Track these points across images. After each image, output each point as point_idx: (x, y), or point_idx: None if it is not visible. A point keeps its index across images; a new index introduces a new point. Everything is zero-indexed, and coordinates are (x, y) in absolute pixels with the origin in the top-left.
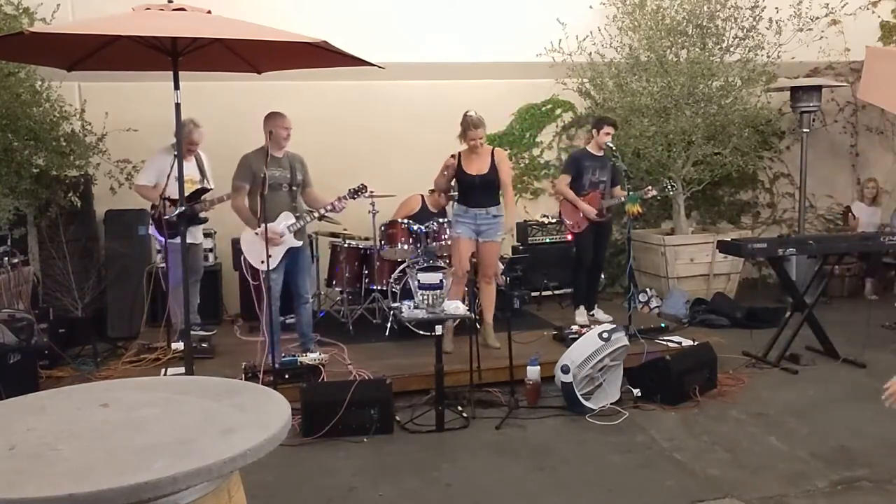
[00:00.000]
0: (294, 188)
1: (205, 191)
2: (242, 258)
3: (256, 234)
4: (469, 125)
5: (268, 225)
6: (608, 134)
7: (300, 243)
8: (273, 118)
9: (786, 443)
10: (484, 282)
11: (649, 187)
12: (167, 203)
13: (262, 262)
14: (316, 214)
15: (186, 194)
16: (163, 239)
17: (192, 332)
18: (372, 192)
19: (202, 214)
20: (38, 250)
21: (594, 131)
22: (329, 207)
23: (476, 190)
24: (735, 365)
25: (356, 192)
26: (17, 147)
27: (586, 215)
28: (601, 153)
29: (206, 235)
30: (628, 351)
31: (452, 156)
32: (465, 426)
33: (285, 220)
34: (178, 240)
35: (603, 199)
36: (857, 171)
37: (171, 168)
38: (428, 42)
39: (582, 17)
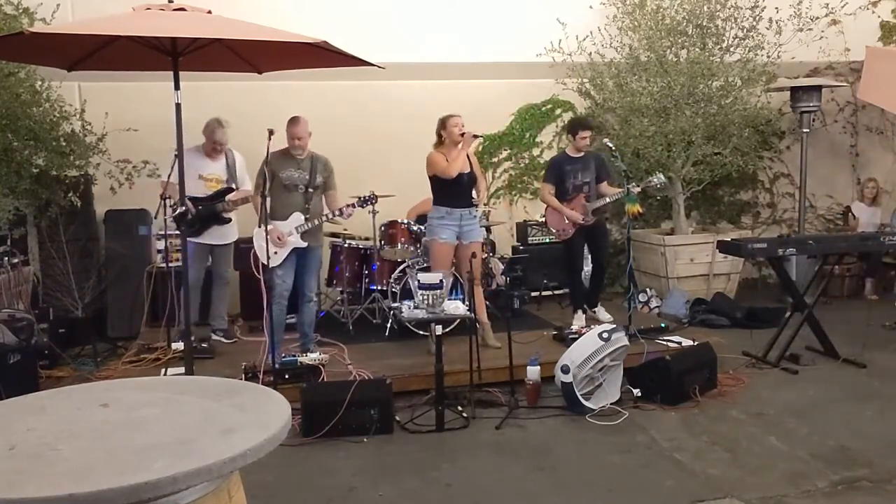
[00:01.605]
0: (310, 190)
1: (229, 190)
2: (252, 253)
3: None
4: (448, 116)
5: (277, 224)
6: (584, 138)
7: (305, 244)
8: (288, 124)
9: (786, 443)
10: (472, 284)
11: (634, 184)
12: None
13: (268, 258)
14: (323, 218)
15: (210, 193)
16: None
17: (214, 338)
18: (372, 192)
19: (225, 214)
20: (38, 250)
21: (569, 136)
22: (336, 213)
23: (462, 188)
24: (735, 365)
25: (365, 202)
26: (17, 147)
27: (572, 220)
28: (580, 154)
29: None
30: (628, 351)
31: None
32: (465, 426)
33: (294, 221)
34: (196, 239)
35: (588, 202)
36: (857, 171)
37: (207, 168)
38: (428, 42)
39: (582, 17)
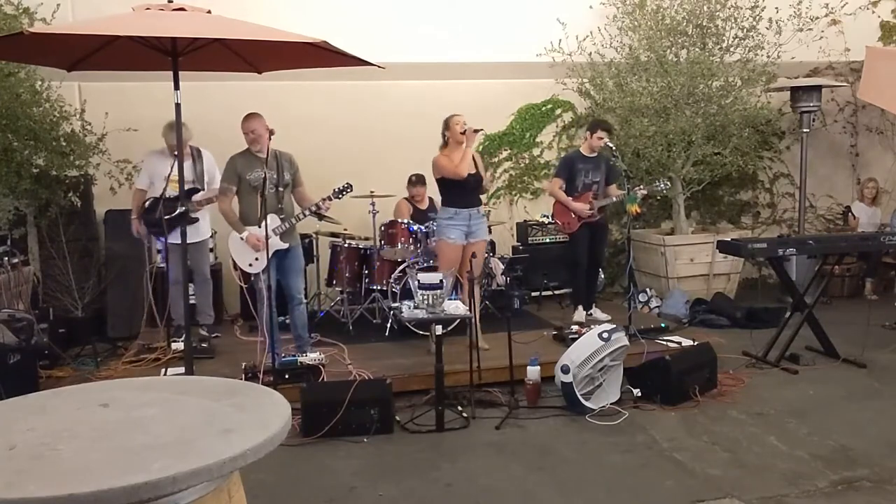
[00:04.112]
0: (280, 189)
1: (195, 191)
2: (231, 261)
3: (242, 238)
4: (450, 116)
5: (252, 229)
6: (601, 139)
7: (286, 245)
8: (242, 120)
9: (786, 443)
10: (473, 283)
11: (640, 186)
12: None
13: (250, 265)
14: (301, 215)
15: (175, 194)
16: (161, 239)
17: (197, 330)
18: (372, 191)
19: (193, 214)
20: (38, 250)
21: (588, 134)
22: (314, 208)
23: (469, 189)
24: (735, 365)
25: (341, 192)
26: (17, 147)
27: (579, 214)
28: (594, 154)
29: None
30: (628, 351)
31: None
32: (465, 426)
33: (270, 223)
34: (176, 239)
35: (595, 199)
36: (857, 171)
37: (171, 169)
38: (428, 42)
39: (582, 17)
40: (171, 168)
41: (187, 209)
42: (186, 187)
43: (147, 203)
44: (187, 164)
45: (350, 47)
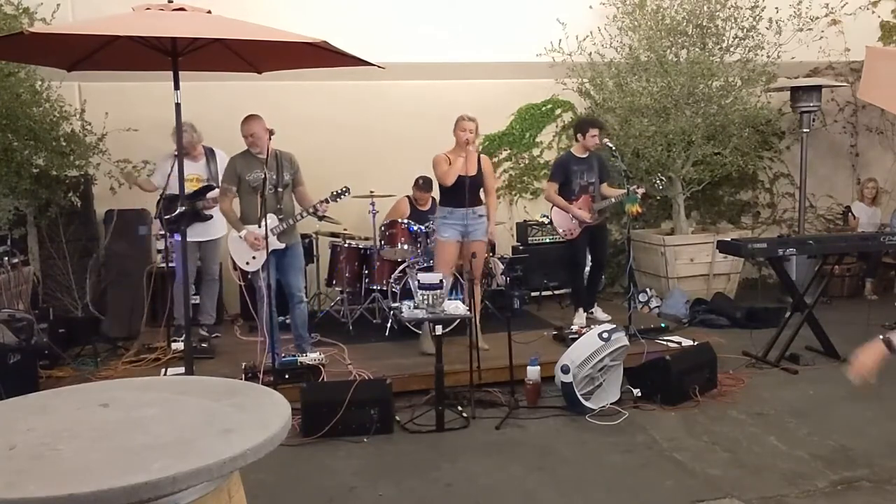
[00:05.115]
0: (280, 189)
1: (209, 188)
2: (231, 261)
3: (240, 236)
4: (462, 118)
5: (251, 227)
6: (594, 136)
7: (283, 245)
8: (241, 123)
9: (786, 443)
10: (472, 283)
11: (638, 185)
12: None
13: (248, 263)
14: (300, 216)
15: (190, 192)
16: (176, 237)
17: (197, 330)
18: (372, 191)
19: (207, 212)
20: (38, 250)
21: (579, 136)
22: (311, 210)
23: (464, 190)
24: (735, 365)
25: (338, 195)
26: (17, 147)
27: (581, 220)
28: (586, 155)
29: None
30: (628, 351)
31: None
32: (465, 426)
33: (269, 223)
34: (191, 237)
35: (594, 203)
36: (857, 171)
37: (172, 168)
38: (428, 42)
39: (582, 17)
40: (173, 168)
41: (187, 209)
42: (202, 185)
43: (161, 202)
44: (201, 163)
45: (350, 47)
